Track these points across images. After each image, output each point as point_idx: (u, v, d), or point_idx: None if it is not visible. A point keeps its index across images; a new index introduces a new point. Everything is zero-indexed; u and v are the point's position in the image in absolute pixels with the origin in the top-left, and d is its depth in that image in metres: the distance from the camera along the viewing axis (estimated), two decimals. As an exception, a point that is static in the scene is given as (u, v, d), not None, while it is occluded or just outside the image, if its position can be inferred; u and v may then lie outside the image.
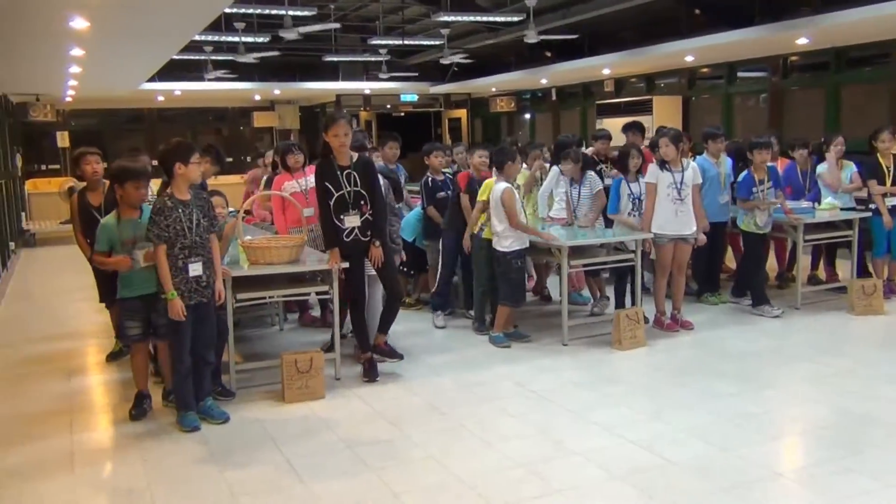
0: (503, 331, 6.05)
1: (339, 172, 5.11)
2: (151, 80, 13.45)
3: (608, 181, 7.00)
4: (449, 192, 6.95)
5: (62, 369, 5.83)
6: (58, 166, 16.98)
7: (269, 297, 5.47)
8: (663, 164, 6.15)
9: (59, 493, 3.79)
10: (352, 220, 5.13)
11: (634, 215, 6.33)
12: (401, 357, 5.46)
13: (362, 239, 5.18)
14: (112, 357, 5.97)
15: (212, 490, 3.75)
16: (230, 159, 20.12)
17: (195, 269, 4.40)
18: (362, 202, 5.14)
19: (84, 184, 5.90)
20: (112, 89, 14.21)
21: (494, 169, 6.06)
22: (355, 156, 5.23)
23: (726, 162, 7.13)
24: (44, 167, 17.49)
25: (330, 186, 5.10)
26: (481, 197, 6.13)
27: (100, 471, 4.10)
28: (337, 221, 5.13)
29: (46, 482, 3.91)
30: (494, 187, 5.93)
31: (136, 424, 4.62)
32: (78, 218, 5.76)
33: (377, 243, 5.19)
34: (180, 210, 4.39)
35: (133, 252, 4.53)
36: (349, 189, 5.11)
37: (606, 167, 7.50)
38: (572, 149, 6.82)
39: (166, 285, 4.36)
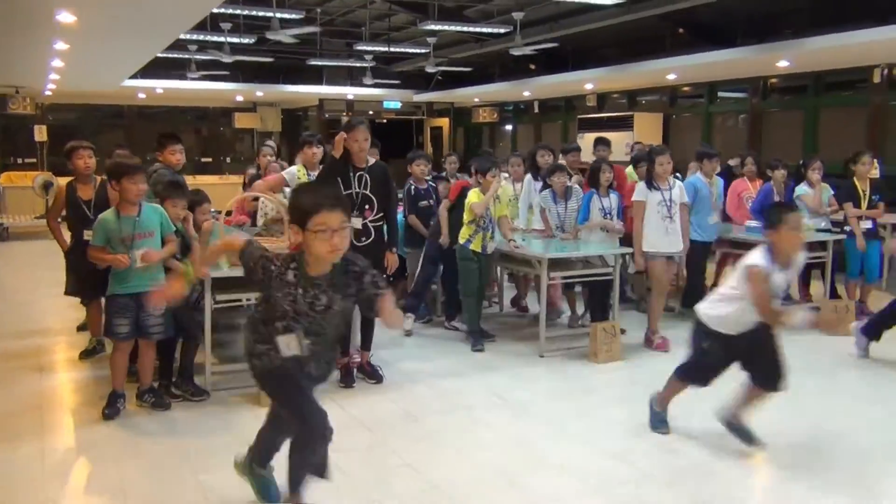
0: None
1: (351, 173, 5.13)
2: (133, 76, 13.35)
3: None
4: (431, 200, 6.96)
5: (34, 366, 5.74)
6: (34, 160, 16.77)
7: (248, 300, 5.43)
8: (650, 183, 6.18)
9: (30, 493, 3.73)
10: (353, 222, 5.12)
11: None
12: (380, 380, 5.35)
13: (355, 243, 5.16)
14: (85, 354, 5.88)
15: (185, 492, 3.71)
16: (209, 159, 20.10)
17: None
18: (367, 206, 5.15)
19: (67, 179, 5.82)
20: (94, 85, 14.09)
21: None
22: (371, 160, 5.25)
23: (719, 182, 7.20)
24: (20, 160, 17.28)
25: (340, 183, 5.11)
26: (471, 201, 6.10)
27: (71, 470, 4.04)
28: None
29: (16, 481, 3.85)
30: None
31: (109, 424, 4.56)
32: (67, 211, 5.67)
33: (394, 249, 5.25)
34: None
35: (131, 251, 4.50)
36: (357, 191, 5.13)
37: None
38: (558, 163, 6.86)
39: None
